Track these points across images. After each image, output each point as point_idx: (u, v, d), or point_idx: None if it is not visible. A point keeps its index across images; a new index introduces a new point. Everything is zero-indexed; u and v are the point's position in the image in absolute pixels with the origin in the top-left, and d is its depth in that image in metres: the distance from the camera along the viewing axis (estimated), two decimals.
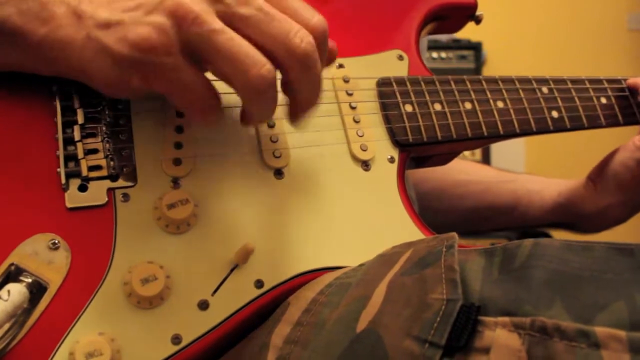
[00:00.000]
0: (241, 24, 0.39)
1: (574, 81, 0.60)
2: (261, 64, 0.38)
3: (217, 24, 0.38)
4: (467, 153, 0.76)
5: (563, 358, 0.27)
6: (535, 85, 0.58)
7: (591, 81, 0.61)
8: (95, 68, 0.40)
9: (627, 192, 0.66)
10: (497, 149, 2.07)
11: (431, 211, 0.82)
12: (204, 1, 0.38)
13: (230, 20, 0.39)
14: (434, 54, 2.09)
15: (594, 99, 0.60)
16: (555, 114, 0.58)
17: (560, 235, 0.76)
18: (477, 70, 2.14)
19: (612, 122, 0.60)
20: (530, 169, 2.25)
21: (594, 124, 0.59)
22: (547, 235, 1.36)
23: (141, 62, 0.38)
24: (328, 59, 0.44)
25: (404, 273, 0.37)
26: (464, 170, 0.83)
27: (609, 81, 0.62)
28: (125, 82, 0.40)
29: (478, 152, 1.95)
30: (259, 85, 0.39)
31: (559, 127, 0.58)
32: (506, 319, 0.30)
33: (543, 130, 0.57)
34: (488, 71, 2.30)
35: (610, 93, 0.61)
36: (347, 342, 0.35)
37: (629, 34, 2.46)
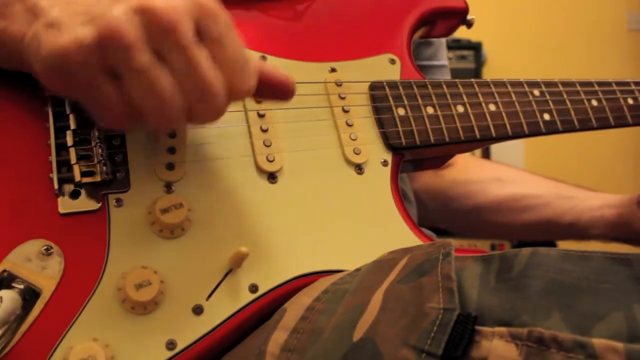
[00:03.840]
0: (165, 65, 0.37)
1: (565, 84, 0.61)
2: (173, 118, 0.38)
3: (144, 59, 0.36)
4: (467, 153, 0.77)
5: None
6: (527, 88, 0.59)
7: (582, 84, 0.62)
8: (37, 65, 0.38)
9: None
10: (497, 149, 2.08)
11: (484, 226, 0.84)
12: (141, 29, 0.36)
13: (158, 53, 0.37)
14: None
15: (585, 101, 0.61)
16: (547, 116, 0.58)
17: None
18: (477, 70, 2.15)
19: (603, 124, 0.61)
20: (529, 169, 2.27)
21: (585, 126, 0.60)
22: (551, 243, 1.37)
23: (59, 70, 0.37)
24: (281, 91, 0.43)
25: (401, 280, 0.37)
26: (521, 182, 0.84)
27: (600, 84, 0.62)
28: (52, 83, 0.38)
29: (478, 152, 1.96)
30: (164, 127, 0.41)
31: (550, 129, 0.58)
32: (503, 329, 0.30)
33: (535, 132, 0.57)
34: (488, 71, 2.31)
35: (601, 95, 0.62)
36: (344, 350, 0.34)
37: (629, 34, 2.48)
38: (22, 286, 0.39)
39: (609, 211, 0.74)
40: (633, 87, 0.64)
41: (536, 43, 2.42)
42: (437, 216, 0.83)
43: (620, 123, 0.61)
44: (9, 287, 0.39)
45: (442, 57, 0.80)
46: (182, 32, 0.36)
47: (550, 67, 2.36)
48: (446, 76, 0.81)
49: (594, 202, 0.76)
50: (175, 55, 0.36)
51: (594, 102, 0.61)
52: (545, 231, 0.81)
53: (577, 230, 0.77)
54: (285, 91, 0.43)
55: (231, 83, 0.39)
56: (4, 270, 0.39)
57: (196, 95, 0.38)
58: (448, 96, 0.55)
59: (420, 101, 0.54)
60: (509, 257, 0.35)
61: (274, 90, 0.43)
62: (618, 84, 0.63)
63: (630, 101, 0.63)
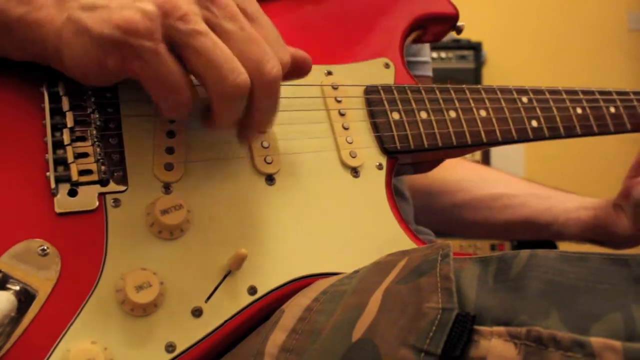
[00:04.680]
0: (222, 36, 0.40)
1: (552, 91, 0.62)
2: (238, 73, 0.40)
3: (202, 26, 0.39)
4: (467, 156, 0.79)
5: None
6: (515, 95, 0.60)
7: (567, 92, 0.63)
8: (72, 50, 0.39)
9: None
10: (497, 152, 2.09)
11: (463, 223, 0.85)
12: (194, 3, 0.39)
13: (214, 29, 0.40)
14: (434, 54, 2.09)
15: (570, 109, 0.62)
16: (534, 123, 0.60)
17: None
18: (477, 70, 2.15)
19: (587, 132, 0.63)
20: (529, 173, 2.28)
21: (570, 133, 0.61)
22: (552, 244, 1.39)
23: (121, 42, 0.38)
24: (303, 69, 0.46)
25: (400, 281, 0.37)
26: (500, 182, 0.85)
27: (584, 92, 0.64)
28: (102, 64, 0.39)
29: (478, 156, 1.96)
30: (233, 93, 0.40)
31: (538, 136, 0.59)
32: (502, 328, 0.30)
33: (523, 138, 0.59)
34: (488, 71, 2.31)
35: (585, 104, 0.63)
36: (343, 351, 0.35)
37: (629, 34, 2.48)
38: (17, 287, 0.38)
39: (585, 213, 0.76)
40: (615, 96, 0.66)
41: (536, 43, 2.42)
42: (418, 214, 0.84)
43: (603, 131, 0.63)
44: (4, 288, 0.38)
45: (426, 54, 0.81)
46: (229, 4, 0.40)
47: (550, 67, 2.37)
48: (429, 72, 0.82)
49: (571, 203, 0.78)
50: (228, 23, 0.40)
51: (579, 110, 0.63)
52: (522, 230, 0.83)
53: (554, 230, 0.78)
54: (305, 67, 0.46)
55: (275, 53, 0.42)
56: None
57: (252, 64, 0.40)
58: (441, 101, 0.56)
59: (414, 106, 0.55)
60: (507, 258, 0.35)
61: (296, 66, 0.45)
62: (601, 92, 0.65)
63: (612, 110, 0.65)
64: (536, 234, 0.82)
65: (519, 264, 0.34)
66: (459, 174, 0.86)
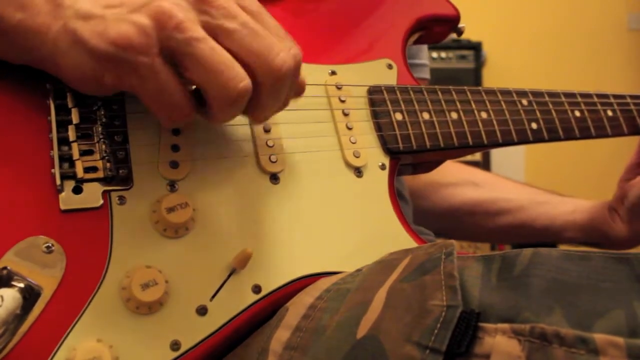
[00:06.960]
0: (224, 37, 0.39)
1: (551, 94, 0.63)
2: (240, 78, 0.39)
3: (200, 33, 0.38)
4: (467, 157, 0.79)
5: None
6: (515, 97, 0.61)
7: (566, 95, 0.64)
8: (68, 60, 0.39)
9: None
10: (497, 153, 2.08)
11: (462, 228, 0.85)
12: (190, 10, 0.38)
13: (214, 32, 0.39)
14: (434, 54, 2.08)
15: (569, 112, 0.63)
16: (534, 125, 0.60)
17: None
18: (477, 70, 2.15)
19: (585, 135, 0.63)
20: (530, 175, 2.28)
21: (569, 136, 0.62)
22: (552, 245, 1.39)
23: (117, 59, 0.37)
24: (297, 90, 0.45)
25: (403, 279, 0.38)
26: (496, 186, 0.86)
27: (582, 95, 0.65)
28: (98, 78, 0.39)
29: (478, 156, 1.96)
30: (233, 99, 0.39)
31: (537, 138, 0.60)
32: (506, 325, 0.31)
33: (523, 140, 0.59)
34: (488, 71, 2.31)
35: (583, 107, 0.64)
36: (348, 348, 0.35)
37: (629, 34, 2.48)
38: (22, 284, 0.38)
39: (581, 216, 0.77)
40: (612, 100, 0.67)
41: (536, 43, 2.42)
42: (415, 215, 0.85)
43: (601, 134, 0.64)
44: (8, 285, 0.38)
45: (424, 57, 0.82)
46: (228, 4, 0.39)
47: (550, 67, 2.37)
48: (426, 75, 0.82)
49: (567, 207, 0.79)
50: (229, 22, 0.39)
51: (577, 113, 0.63)
52: (518, 234, 0.84)
53: (551, 233, 0.79)
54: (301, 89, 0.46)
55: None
56: (4, 268, 0.38)
57: (260, 59, 0.39)
58: (442, 102, 0.56)
59: (416, 106, 0.55)
60: (510, 256, 0.36)
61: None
62: (599, 96, 0.66)
63: (610, 113, 0.66)
64: (533, 238, 0.83)
65: (522, 262, 0.35)
66: (455, 178, 0.87)
